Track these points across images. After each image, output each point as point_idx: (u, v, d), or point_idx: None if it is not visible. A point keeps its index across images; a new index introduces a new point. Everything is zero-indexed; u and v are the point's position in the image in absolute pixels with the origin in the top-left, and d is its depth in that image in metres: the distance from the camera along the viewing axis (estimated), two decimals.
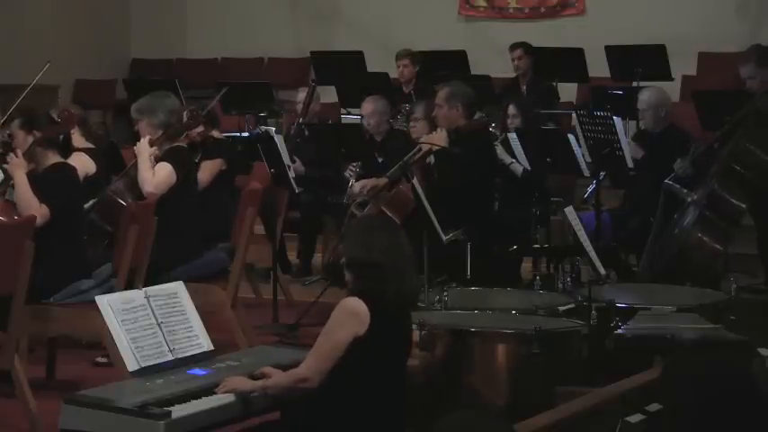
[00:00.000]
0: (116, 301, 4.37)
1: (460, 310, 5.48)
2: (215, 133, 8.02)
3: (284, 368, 4.33)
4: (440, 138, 7.32)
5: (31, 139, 6.19)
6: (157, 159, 6.78)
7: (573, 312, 5.51)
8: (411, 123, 7.89)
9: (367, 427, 4.17)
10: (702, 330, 5.09)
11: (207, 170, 7.67)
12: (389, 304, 4.17)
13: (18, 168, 6.12)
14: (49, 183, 6.11)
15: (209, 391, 4.17)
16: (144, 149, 6.75)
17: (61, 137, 6.34)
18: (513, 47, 10.68)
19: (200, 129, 7.73)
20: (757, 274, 8.17)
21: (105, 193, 6.95)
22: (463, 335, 4.99)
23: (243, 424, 4.30)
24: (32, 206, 6.00)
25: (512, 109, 8.67)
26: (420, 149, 7.35)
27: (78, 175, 6.44)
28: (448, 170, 7.14)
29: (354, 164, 8.52)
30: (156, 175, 6.69)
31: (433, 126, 7.60)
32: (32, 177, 6.13)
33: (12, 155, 6.15)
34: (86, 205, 6.69)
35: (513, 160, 8.39)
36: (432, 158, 7.36)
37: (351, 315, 4.14)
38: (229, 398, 4.17)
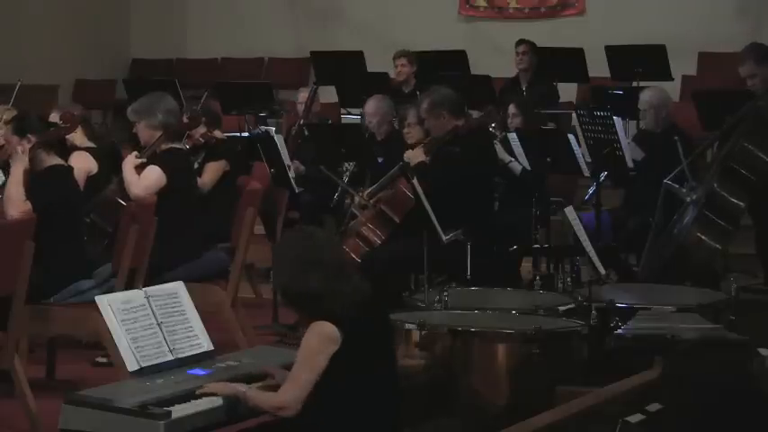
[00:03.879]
0: (116, 301, 4.38)
1: (460, 310, 5.48)
2: (217, 133, 8.01)
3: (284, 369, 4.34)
4: (417, 155, 7.28)
5: (25, 143, 6.16)
6: (154, 161, 6.77)
7: (573, 312, 5.50)
8: (405, 129, 7.83)
9: (364, 426, 4.17)
10: (702, 330, 5.09)
11: (211, 172, 7.66)
12: (345, 319, 4.14)
13: (19, 164, 6.11)
14: (45, 183, 6.11)
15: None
16: (128, 162, 6.76)
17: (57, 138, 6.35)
18: (520, 42, 10.68)
19: (203, 129, 7.74)
20: (757, 274, 8.17)
21: (105, 193, 6.95)
22: (463, 335, 4.99)
23: (243, 424, 4.31)
24: (16, 200, 6.00)
25: (512, 108, 8.67)
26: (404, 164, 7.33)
27: (75, 176, 6.42)
28: (430, 185, 6.98)
29: (348, 163, 8.51)
30: (143, 179, 6.66)
31: (428, 130, 7.57)
32: (28, 177, 6.14)
33: (18, 148, 6.14)
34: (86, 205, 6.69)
35: (512, 159, 8.39)
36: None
37: (323, 339, 4.13)
38: (229, 398, 4.17)
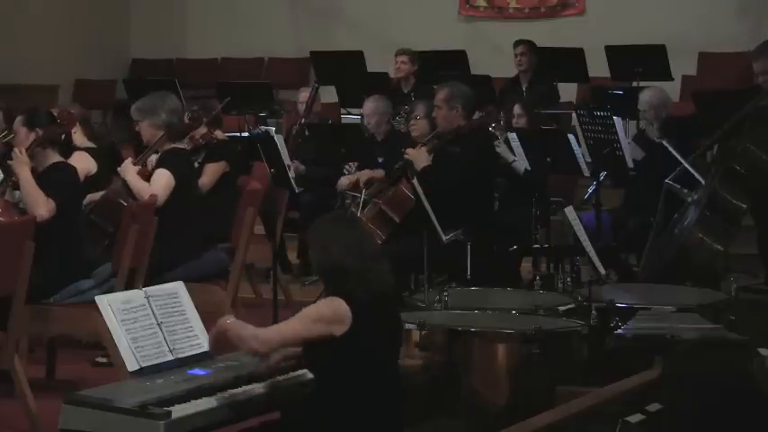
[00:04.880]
0: (116, 301, 4.37)
1: (460, 310, 5.48)
2: (218, 134, 8.01)
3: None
4: (419, 155, 7.26)
5: (33, 137, 6.20)
6: (157, 162, 6.76)
7: (573, 312, 5.50)
8: (412, 122, 7.84)
9: (366, 426, 4.17)
10: (702, 330, 5.09)
11: (210, 174, 7.65)
12: (362, 302, 4.16)
13: (22, 165, 6.12)
14: (52, 180, 6.12)
15: (209, 391, 4.17)
16: (128, 169, 6.75)
17: (63, 136, 6.35)
18: (518, 43, 10.67)
19: (204, 130, 7.74)
20: (757, 274, 8.17)
21: (106, 194, 6.95)
22: (463, 335, 4.99)
23: (243, 424, 4.31)
24: (39, 200, 6.01)
25: (518, 109, 8.69)
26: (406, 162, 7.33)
27: (78, 175, 6.44)
28: (431, 185, 6.92)
29: (350, 163, 8.51)
30: (154, 183, 6.66)
31: (433, 126, 7.58)
32: (34, 176, 6.14)
33: (15, 151, 6.16)
34: (86, 205, 6.69)
35: (516, 158, 8.39)
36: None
37: (334, 312, 4.14)
38: (230, 398, 4.17)
